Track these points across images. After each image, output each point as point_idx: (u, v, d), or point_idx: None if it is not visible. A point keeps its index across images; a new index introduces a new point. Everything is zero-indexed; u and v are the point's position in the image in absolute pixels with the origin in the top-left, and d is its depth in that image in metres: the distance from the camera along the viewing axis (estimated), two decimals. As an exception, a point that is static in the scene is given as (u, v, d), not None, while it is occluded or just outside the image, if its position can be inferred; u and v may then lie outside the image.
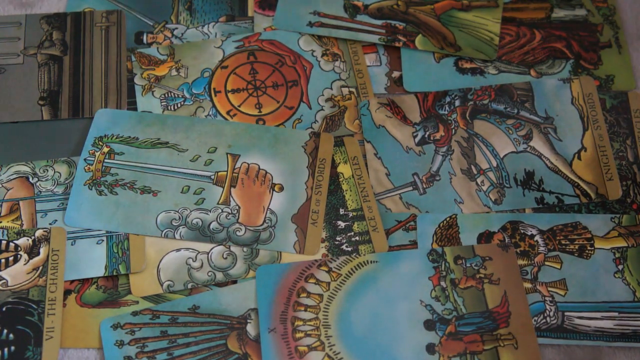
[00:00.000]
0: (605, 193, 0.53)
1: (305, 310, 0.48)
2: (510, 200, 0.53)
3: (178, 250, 0.51)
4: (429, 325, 0.48)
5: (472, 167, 0.54)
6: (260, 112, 0.57)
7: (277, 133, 0.55)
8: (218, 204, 0.52)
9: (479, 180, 0.53)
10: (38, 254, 0.50)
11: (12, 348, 0.47)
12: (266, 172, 0.53)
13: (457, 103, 0.56)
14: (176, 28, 0.60)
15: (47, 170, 0.54)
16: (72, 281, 0.50)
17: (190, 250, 0.51)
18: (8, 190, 0.53)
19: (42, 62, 0.58)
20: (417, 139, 0.55)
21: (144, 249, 0.51)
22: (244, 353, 0.48)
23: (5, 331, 0.48)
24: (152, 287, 0.50)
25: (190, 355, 0.47)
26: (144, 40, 0.60)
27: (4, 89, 0.57)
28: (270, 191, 0.53)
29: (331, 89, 0.57)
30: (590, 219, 0.52)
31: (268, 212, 0.52)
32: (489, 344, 0.47)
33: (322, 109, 0.57)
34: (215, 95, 0.57)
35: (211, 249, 0.51)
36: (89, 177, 0.53)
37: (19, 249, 0.50)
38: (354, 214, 0.52)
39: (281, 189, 0.53)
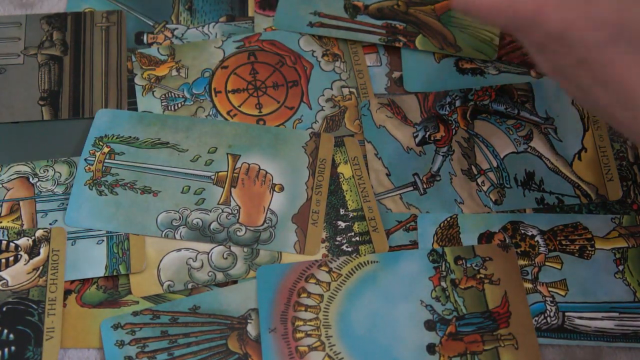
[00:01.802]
0: (606, 193, 0.53)
1: (306, 311, 0.48)
2: (511, 200, 0.53)
3: (178, 250, 0.51)
4: (429, 325, 0.48)
5: (473, 167, 0.54)
6: (260, 112, 0.57)
7: (277, 133, 0.55)
8: (218, 204, 0.52)
9: (479, 181, 0.53)
10: (38, 254, 0.50)
11: (13, 348, 0.47)
12: (266, 172, 0.53)
13: (457, 103, 0.56)
14: (176, 28, 0.61)
15: (48, 171, 0.54)
16: (72, 281, 0.50)
17: (191, 250, 0.51)
18: (8, 190, 0.53)
19: (43, 62, 0.58)
20: (417, 139, 0.55)
21: (144, 249, 0.51)
22: (244, 353, 0.48)
23: (5, 331, 0.48)
24: (152, 287, 0.50)
25: (190, 355, 0.47)
26: (145, 41, 0.60)
27: (4, 89, 0.57)
28: (270, 191, 0.53)
29: (331, 89, 0.57)
30: (591, 220, 0.52)
31: (268, 212, 0.52)
32: (489, 344, 0.47)
33: (322, 109, 0.57)
34: (216, 96, 0.57)
35: (211, 249, 0.51)
36: (90, 177, 0.53)
37: (19, 249, 0.50)
38: (354, 214, 0.52)
39: (281, 189, 0.53)
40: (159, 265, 0.51)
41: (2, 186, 0.53)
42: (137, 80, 0.58)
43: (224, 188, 0.53)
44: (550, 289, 0.49)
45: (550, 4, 0.37)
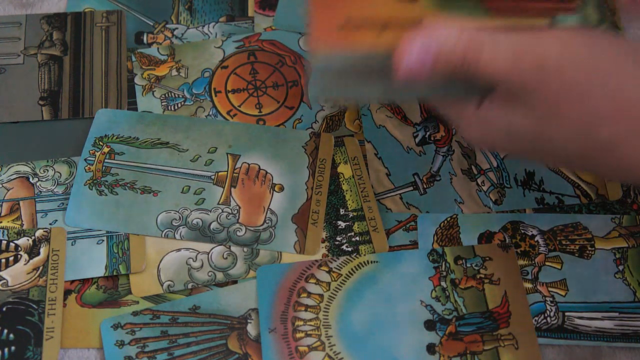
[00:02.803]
0: (606, 193, 0.53)
1: (306, 310, 0.48)
2: (511, 200, 0.53)
3: (178, 250, 0.51)
4: (429, 325, 0.48)
5: (473, 167, 0.54)
6: (260, 112, 0.57)
7: (277, 133, 0.55)
8: (218, 204, 0.52)
9: (479, 181, 0.53)
10: (38, 254, 0.50)
11: (13, 348, 0.47)
12: (266, 172, 0.53)
13: (457, 103, 0.56)
14: (176, 28, 0.61)
15: (48, 170, 0.54)
16: (72, 281, 0.50)
17: (191, 250, 0.51)
18: (8, 190, 0.53)
19: (43, 62, 0.58)
20: (417, 139, 0.55)
21: (144, 249, 0.51)
22: (244, 353, 0.48)
23: (5, 331, 0.48)
24: (152, 287, 0.50)
25: (190, 355, 0.47)
26: (144, 40, 0.60)
27: (4, 89, 0.57)
28: (270, 191, 0.53)
29: (331, 89, 0.57)
30: (591, 220, 0.52)
31: (268, 212, 0.52)
32: (489, 344, 0.47)
33: (322, 109, 0.57)
34: (216, 96, 0.57)
35: (211, 249, 0.51)
36: (90, 177, 0.53)
37: (19, 249, 0.50)
38: (354, 214, 0.52)
39: (281, 189, 0.53)
40: (159, 265, 0.51)
41: (2, 186, 0.53)
42: (137, 80, 0.58)
43: (224, 188, 0.53)
44: (550, 289, 0.49)
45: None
